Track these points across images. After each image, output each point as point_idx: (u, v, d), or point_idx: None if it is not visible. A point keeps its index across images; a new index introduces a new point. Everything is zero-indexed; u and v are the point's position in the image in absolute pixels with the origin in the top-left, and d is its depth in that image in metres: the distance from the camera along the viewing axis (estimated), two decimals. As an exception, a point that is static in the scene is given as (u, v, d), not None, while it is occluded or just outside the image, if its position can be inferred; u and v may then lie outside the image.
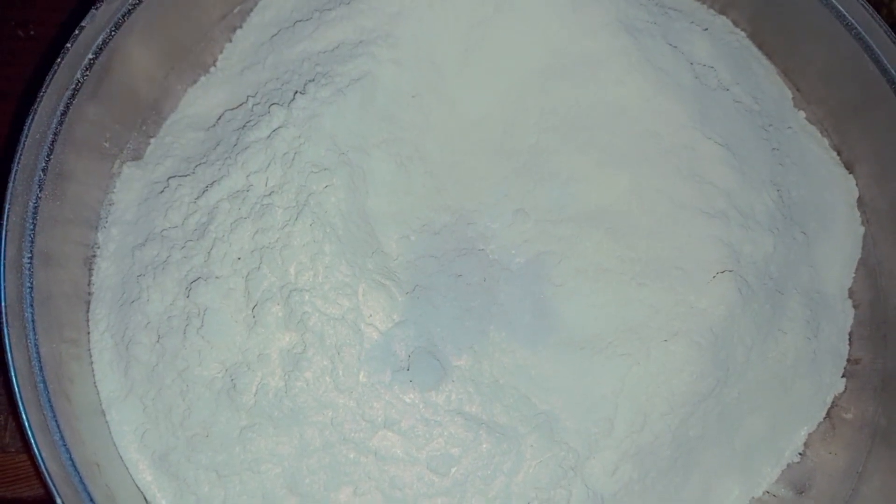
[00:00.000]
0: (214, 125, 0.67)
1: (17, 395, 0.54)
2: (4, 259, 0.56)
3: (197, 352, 0.57)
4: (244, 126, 0.63)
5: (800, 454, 0.67)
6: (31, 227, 0.58)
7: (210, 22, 0.71)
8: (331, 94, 0.62)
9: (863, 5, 0.65)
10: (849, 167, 0.71)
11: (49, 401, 0.55)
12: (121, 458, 0.60)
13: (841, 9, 0.66)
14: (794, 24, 0.70)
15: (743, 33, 0.74)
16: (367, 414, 0.56)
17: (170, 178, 0.64)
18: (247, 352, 0.57)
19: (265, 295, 0.57)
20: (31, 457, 0.55)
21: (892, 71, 0.65)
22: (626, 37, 0.64)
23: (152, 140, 0.68)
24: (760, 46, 0.74)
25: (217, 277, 0.58)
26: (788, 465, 0.67)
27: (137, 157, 0.68)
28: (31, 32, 0.81)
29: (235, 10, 0.72)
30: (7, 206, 0.57)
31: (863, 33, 0.65)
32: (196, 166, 0.64)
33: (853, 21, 0.65)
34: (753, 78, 0.71)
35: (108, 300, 0.62)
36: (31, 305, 0.57)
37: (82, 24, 0.59)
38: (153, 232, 0.62)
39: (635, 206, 0.62)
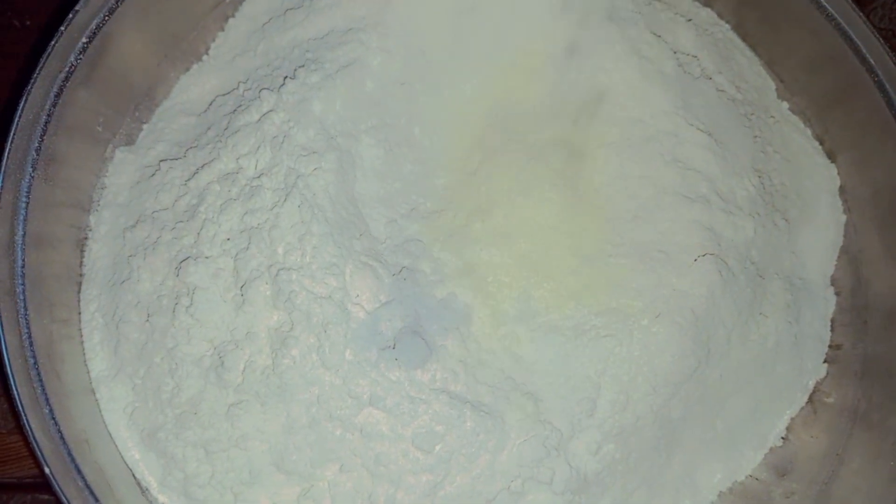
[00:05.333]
0: (206, 111, 0.68)
1: (9, 373, 0.55)
2: (-3, 240, 0.57)
3: (186, 330, 0.58)
4: (235, 111, 0.64)
5: (782, 438, 0.68)
6: (24, 208, 0.59)
7: (203, 11, 0.72)
8: (320, 79, 0.63)
9: (844, -2, 0.66)
10: (831, 156, 0.72)
11: (40, 378, 0.56)
12: (110, 435, 0.60)
13: (822, 1, 0.67)
14: (777, 15, 0.71)
15: (727, 25, 0.75)
16: (353, 391, 0.57)
17: (161, 161, 0.65)
18: (235, 330, 0.58)
19: (253, 274, 0.57)
20: (23, 436, 0.55)
21: (872, 62, 0.66)
22: (611, 25, 0.65)
23: (145, 125, 0.69)
24: (744, 38, 0.75)
25: (206, 257, 0.58)
26: (771, 449, 0.68)
27: (130, 141, 0.69)
28: (27, 23, 0.82)
29: (228, 0, 0.73)
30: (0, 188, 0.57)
31: (844, 25, 0.67)
32: (187, 150, 0.65)
33: (834, 13, 0.67)
34: (737, 68, 0.72)
35: (100, 280, 0.63)
36: (24, 285, 0.58)
37: (76, 7, 0.60)
38: (144, 214, 0.63)
39: (619, 190, 0.64)
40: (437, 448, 0.57)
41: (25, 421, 0.54)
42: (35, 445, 0.53)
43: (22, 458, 0.69)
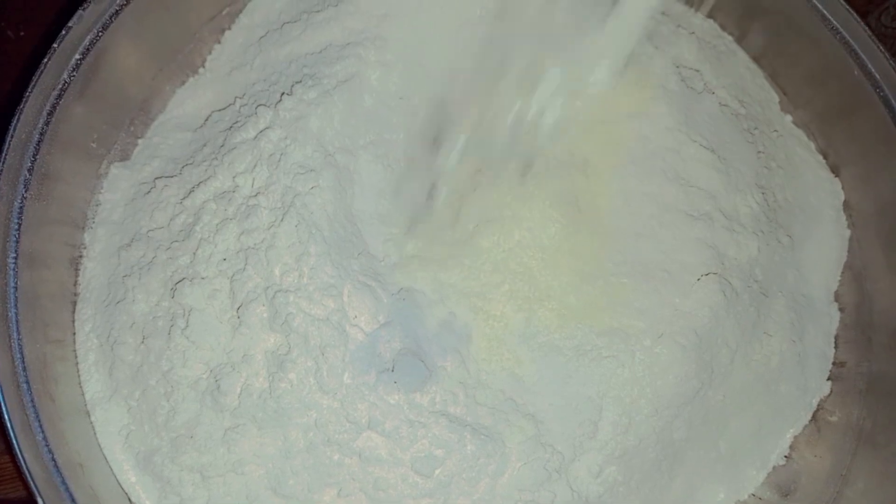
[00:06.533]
0: (202, 126, 0.67)
1: (1, 397, 0.54)
2: (-12, 259, 0.56)
3: (181, 352, 0.57)
4: (231, 127, 0.63)
5: (785, 457, 0.67)
6: (17, 227, 0.58)
7: (199, 23, 0.71)
8: (317, 95, 0.62)
9: (848, 10, 0.65)
10: (835, 171, 0.72)
11: (32, 401, 0.55)
12: (105, 458, 0.59)
13: (826, 13, 0.66)
14: (780, 27, 0.70)
15: (730, 37, 0.74)
16: (352, 415, 0.56)
17: (156, 178, 0.64)
18: (231, 353, 0.57)
19: (250, 296, 0.56)
20: (14, 458, 0.54)
21: (877, 75, 0.65)
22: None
23: (140, 141, 0.68)
24: (747, 50, 0.74)
25: (202, 278, 0.58)
26: (774, 468, 0.67)
27: (125, 157, 0.68)
28: (21, 33, 0.81)
29: (224, 12, 0.72)
30: (-8, 207, 0.57)
31: (848, 38, 0.66)
32: (183, 167, 0.64)
33: (838, 25, 0.66)
34: (740, 81, 0.71)
35: (94, 301, 0.62)
36: (16, 306, 0.57)
37: (69, 24, 0.59)
38: (139, 232, 0.62)
39: (621, 208, 0.63)
40: (437, 472, 0.57)
41: (17, 446, 0.53)
42: (27, 472, 0.52)
43: (16, 478, 0.68)
